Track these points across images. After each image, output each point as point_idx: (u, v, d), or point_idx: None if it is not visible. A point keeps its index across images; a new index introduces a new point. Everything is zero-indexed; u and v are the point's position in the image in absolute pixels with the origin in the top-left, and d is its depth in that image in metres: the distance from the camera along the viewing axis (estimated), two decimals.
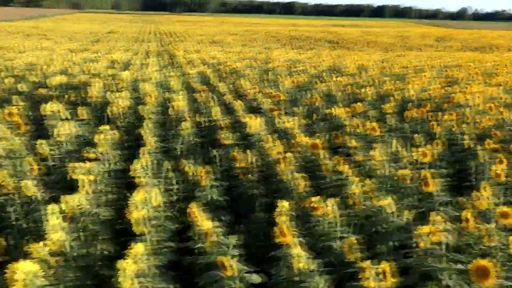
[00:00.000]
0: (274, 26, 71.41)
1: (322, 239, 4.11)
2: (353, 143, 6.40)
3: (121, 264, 2.75)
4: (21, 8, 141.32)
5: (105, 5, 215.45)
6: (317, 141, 6.10)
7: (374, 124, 7.11)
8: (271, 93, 10.50)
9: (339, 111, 8.37)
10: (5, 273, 2.98)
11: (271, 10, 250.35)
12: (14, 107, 7.42)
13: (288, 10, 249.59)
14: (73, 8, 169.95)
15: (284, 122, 7.68)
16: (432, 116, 8.42)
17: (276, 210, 3.93)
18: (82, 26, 56.94)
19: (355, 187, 4.82)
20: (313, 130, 8.10)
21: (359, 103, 9.15)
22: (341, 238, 4.09)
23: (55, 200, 4.41)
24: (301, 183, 4.95)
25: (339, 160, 5.45)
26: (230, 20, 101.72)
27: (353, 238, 3.63)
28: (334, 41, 42.86)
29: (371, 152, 5.95)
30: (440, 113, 8.50)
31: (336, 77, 13.46)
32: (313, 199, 4.25)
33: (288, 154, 5.62)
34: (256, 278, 3.22)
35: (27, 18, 76.54)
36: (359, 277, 3.16)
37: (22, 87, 10.47)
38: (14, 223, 4.36)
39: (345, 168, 5.31)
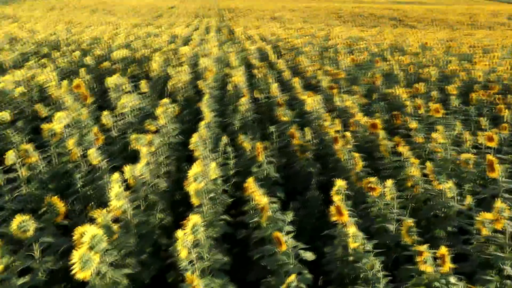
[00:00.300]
0: (337, 3, 69.76)
1: (377, 220, 4.05)
2: (414, 124, 6.20)
3: (179, 233, 2.83)
4: None
5: None
6: (377, 121, 5.97)
7: (437, 105, 6.86)
8: (331, 70, 10.32)
9: (400, 91, 8.12)
10: (71, 236, 3.17)
11: None
12: (80, 79, 7.72)
13: None
14: None
15: (343, 101, 7.55)
16: (499, 99, 8.01)
17: (333, 188, 3.90)
18: (146, 1, 58.05)
19: (414, 169, 4.70)
20: (372, 110, 7.91)
21: (421, 83, 8.83)
22: (397, 220, 4.02)
23: (118, 169, 4.60)
24: (358, 162, 4.88)
25: (399, 141, 5.31)
26: None
27: (410, 221, 3.55)
28: (398, 19, 41.38)
29: (433, 134, 5.76)
30: (509, 96, 8.07)
31: (399, 56, 13.03)
32: (370, 179, 4.19)
33: (347, 134, 5.54)
34: (309, 256, 3.23)
35: None
36: (416, 260, 3.10)
37: (88, 60, 10.86)
38: (79, 189, 4.58)
39: (404, 149, 5.17)
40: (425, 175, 4.79)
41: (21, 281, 3.00)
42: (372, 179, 4.17)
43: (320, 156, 6.28)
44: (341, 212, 3.46)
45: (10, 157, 4.24)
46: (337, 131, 6.04)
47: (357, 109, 6.99)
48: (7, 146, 5.57)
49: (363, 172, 4.92)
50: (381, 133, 5.74)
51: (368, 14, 45.95)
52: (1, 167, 4.18)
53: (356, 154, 4.98)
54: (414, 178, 4.66)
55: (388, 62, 11.73)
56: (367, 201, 4.35)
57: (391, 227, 3.97)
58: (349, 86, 9.46)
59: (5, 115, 5.95)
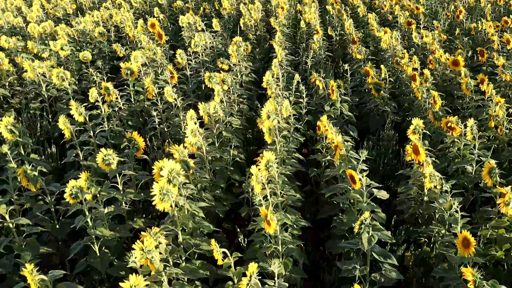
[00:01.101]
0: None
1: (456, 161, 3.89)
2: (501, 60, 5.77)
3: (253, 169, 2.87)
4: None
5: None
6: (459, 57, 5.60)
7: None
8: (409, 5, 9.73)
9: (486, 25, 7.53)
10: (150, 170, 3.32)
11: None
12: (155, 18, 7.82)
13: None
14: None
15: (421, 37, 7.14)
16: None
17: (410, 127, 3.77)
18: None
19: (499, 109, 4.41)
20: (454, 47, 7.45)
21: None
22: (477, 162, 3.84)
23: (193, 107, 4.70)
24: (437, 101, 4.65)
25: (483, 79, 4.98)
26: None
27: (492, 162, 3.37)
28: None
29: None
30: None
31: None
32: (450, 118, 3.99)
33: (425, 71, 5.27)
34: (383, 194, 3.18)
35: None
36: (497, 202, 2.97)
37: None
38: (156, 126, 4.75)
39: (489, 88, 4.85)
40: (510, 115, 4.50)
41: (107, 210, 3.21)
42: (452, 118, 3.97)
43: (395, 95, 6.06)
44: (418, 151, 3.35)
45: (93, 94, 4.44)
46: (415, 69, 5.77)
47: (437, 46, 6.60)
48: (89, 84, 5.84)
49: (441, 112, 4.70)
50: (463, 70, 5.40)
51: None
52: (85, 104, 4.40)
53: (435, 93, 4.74)
54: (498, 118, 4.39)
55: None
56: (445, 141, 4.18)
57: (471, 168, 3.81)
58: (429, 21, 8.91)
59: (88, 54, 6.19)
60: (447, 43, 7.75)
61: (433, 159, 3.70)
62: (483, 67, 6.48)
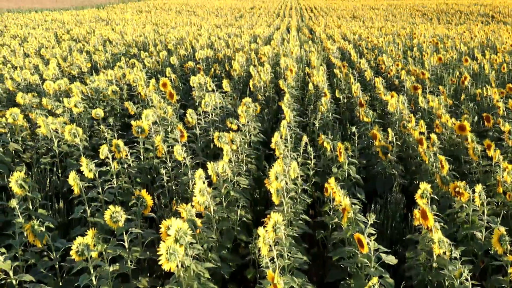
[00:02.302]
0: (420, 0, 67.15)
1: (465, 227, 3.85)
2: (507, 126, 5.83)
3: (260, 231, 2.86)
4: None
5: None
6: (465, 123, 5.67)
7: None
8: (415, 70, 9.97)
9: (491, 92, 7.67)
10: (157, 228, 3.31)
11: None
12: (167, 78, 8.04)
13: None
14: None
15: (427, 102, 7.27)
16: None
17: (417, 191, 3.77)
18: (227, 2, 59.26)
19: (507, 175, 4.42)
20: (460, 112, 7.56)
21: None
22: (486, 228, 3.80)
23: (201, 165, 4.75)
24: (444, 166, 4.67)
25: (489, 145, 5.01)
26: None
27: (502, 229, 3.34)
28: (489, 15, 39.07)
29: None
30: None
31: (490, 54, 12.31)
32: (458, 183, 3.99)
33: (432, 136, 5.33)
34: (391, 259, 3.14)
35: None
36: (508, 271, 2.92)
37: (173, 60, 11.29)
38: (165, 184, 4.77)
39: (496, 154, 4.87)
40: None
41: (112, 268, 3.18)
42: (460, 183, 3.97)
43: (402, 158, 6.10)
44: (426, 216, 3.33)
45: (104, 151, 4.51)
46: (421, 133, 5.83)
47: (443, 111, 6.70)
48: (100, 141, 5.94)
49: (449, 176, 4.71)
50: (470, 136, 5.46)
51: (455, 10, 43.77)
52: (95, 161, 4.45)
53: (442, 157, 4.77)
54: (506, 184, 4.38)
55: (477, 61, 11.14)
56: (453, 206, 4.16)
57: (480, 234, 3.77)
58: (435, 86, 9.10)
59: (100, 112, 6.33)
60: (453, 108, 7.87)
61: (442, 224, 3.67)
62: (489, 133, 6.54)
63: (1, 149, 5.55)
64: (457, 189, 4.00)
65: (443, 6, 50.15)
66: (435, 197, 4.20)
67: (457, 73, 10.05)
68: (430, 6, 49.58)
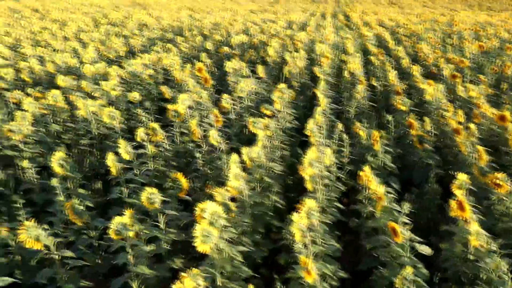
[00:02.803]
0: None
1: (504, 219, 3.77)
2: None
3: (294, 217, 2.88)
4: None
5: None
6: (506, 112, 5.51)
7: None
8: (454, 58, 9.71)
9: None
10: (192, 210, 3.37)
11: None
12: (202, 63, 8.09)
13: None
14: None
15: (467, 91, 7.09)
16: None
17: (454, 182, 3.70)
18: None
19: None
20: (501, 101, 7.34)
21: None
22: None
23: (235, 150, 4.78)
24: (483, 156, 4.56)
25: None
26: None
27: None
28: None
29: None
30: None
31: None
32: (498, 175, 3.90)
33: (471, 125, 5.20)
34: (426, 249, 3.11)
35: None
36: None
37: (208, 45, 11.33)
38: (200, 168, 4.84)
39: None
40: None
41: (148, 248, 3.27)
42: (500, 174, 3.88)
43: (439, 148, 5.98)
44: (463, 207, 3.28)
45: (141, 134, 4.59)
46: (460, 123, 5.70)
47: (483, 100, 6.52)
48: (137, 124, 6.05)
49: (487, 167, 4.60)
50: (510, 126, 5.30)
51: None
52: (132, 143, 4.55)
53: (481, 148, 4.66)
54: None
55: None
56: (491, 198, 4.07)
57: None
58: (475, 75, 8.85)
59: (136, 95, 6.44)
60: (494, 97, 7.64)
61: (479, 216, 3.60)
62: None
63: (43, 129, 5.72)
64: (496, 181, 3.91)
65: None
66: (473, 188, 4.12)
67: (499, 61, 9.73)
68: None
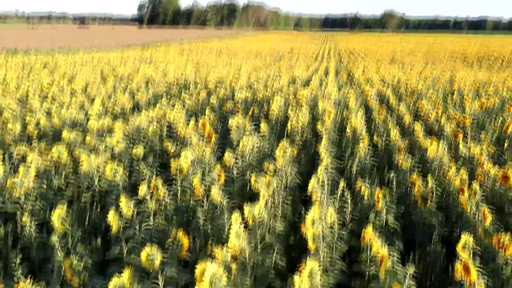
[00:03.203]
0: (460, 45, 66.78)
1: (511, 282, 3.69)
2: None
3: (296, 278, 2.83)
4: (215, 30, 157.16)
5: (288, 25, 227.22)
6: (509, 172, 5.51)
7: None
8: (455, 116, 9.82)
9: None
10: (191, 269, 3.31)
11: (458, 27, 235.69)
12: (205, 118, 8.19)
13: (478, 26, 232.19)
14: (259, 29, 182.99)
15: (469, 149, 7.12)
16: None
17: (459, 243, 3.65)
18: (266, 44, 60.52)
19: None
20: (503, 160, 7.35)
21: None
22: None
23: (237, 208, 4.75)
24: (487, 216, 4.52)
25: None
26: (411, 38, 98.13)
27: None
28: None
29: None
30: None
31: None
32: (502, 236, 3.85)
33: (474, 185, 5.19)
34: None
35: (220, 38, 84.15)
36: None
37: (213, 100, 11.52)
38: (201, 226, 4.80)
39: None
40: None
41: None
42: (505, 235, 3.83)
43: (442, 207, 5.93)
44: (468, 270, 3.22)
45: (143, 190, 4.60)
46: (463, 181, 5.69)
47: (485, 158, 6.54)
48: (139, 180, 6.05)
49: (492, 227, 4.55)
50: None
51: (496, 56, 43.21)
52: (134, 199, 4.54)
53: (485, 207, 4.63)
54: None
55: None
56: (497, 259, 4.00)
57: None
58: (476, 133, 8.92)
59: (140, 151, 6.49)
60: (496, 156, 7.66)
61: (485, 278, 3.52)
62: None
63: (46, 184, 5.73)
64: (501, 242, 3.86)
65: (484, 51, 49.66)
66: (478, 248, 4.05)
67: (500, 120, 9.83)
68: (471, 51, 49.17)
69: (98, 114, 9.61)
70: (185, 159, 5.53)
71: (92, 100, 11.54)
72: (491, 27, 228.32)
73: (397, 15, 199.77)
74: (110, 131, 8.11)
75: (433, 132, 9.37)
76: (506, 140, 8.18)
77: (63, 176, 6.13)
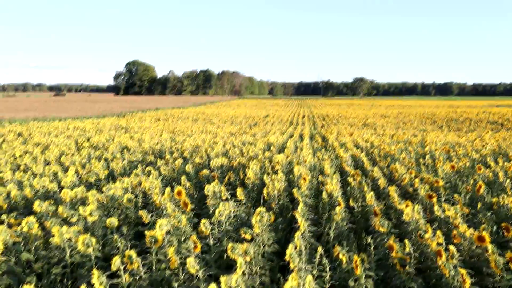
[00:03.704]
0: (429, 108, 69.24)
1: None
2: None
3: None
4: (190, 97, 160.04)
5: (263, 91, 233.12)
6: (484, 233, 5.57)
7: None
8: (428, 178, 10.00)
9: (508, 200, 7.60)
10: None
11: (425, 91, 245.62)
12: (181, 186, 8.14)
13: (444, 91, 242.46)
14: (234, 95, 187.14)
15: (443, 211, 7.20)
16: None
17: None
18: (242, 110, 61.60)
19: None
20: (477, 221, 7.44)
21: None
22: None
23: (214, 278, 4.64)
24: (466, 280, 4.51)
25: None
26: (382, 102, 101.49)
27: None
28: (498, 122, 39.81)
29: None
30: None
31: (503, 162, 12.38)
32: None
33: (451, 247, 5.21)
34: None
35: (195, 105, 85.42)
36: None
37: (189, 167, 11.50)
38: None
39: None
40: None
41: None
42: None
43: (421, 270, 5.90)
44: None
45: (116, 263, 4.46)
46: (439, 244, 5.71)
47: (460, 220, 6.61)
48: (113, 251, 5.89)
49: None
50: (490, 247, 5.33)
51: (464, 118, 44.83)
52: (107, 272, 4.39)
53: (463, 271, 4.63)
54: None
55: (491, 169, 11.16)
56: None
57: None
58: (449, 194, 9.06)
59: (114, 221, 6.36)
60: (470, 216, 7.76)
61: None
62: (510, 243, 6.38)
63: (13, 259, 5.52)
64: None
65: (452, 114, 51.51)
66: None
67: (472, 181, 10.03)
68: (439, 114, 50.92)
69: (72, 184, 9.46)
70: (160, 229, 5.43)
71: (66, 170, 11.39)
72: (457, 91, 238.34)
73: (367, 81, 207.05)
74: (84, 201, 7.96)
75: (407, 194, 9.49)
76: (478, 201, 8.31)
77: (32, 249, 5.92)
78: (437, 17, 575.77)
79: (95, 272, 4.15)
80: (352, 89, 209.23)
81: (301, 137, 24.70)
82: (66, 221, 6.77)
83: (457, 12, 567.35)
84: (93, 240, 5.26)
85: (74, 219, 6.72)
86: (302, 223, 5.88)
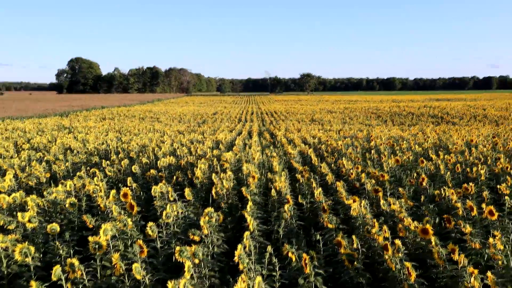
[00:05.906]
0: (374, 103, 71.19)
1: None
2: (468, 228, 5.90)
3: None
4: (137, 95, 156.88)
5: (211, 88, 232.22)
6: (427, 226, 5.72)
7: (490, 207, 6.55)
8: (374, 172, 10.21)
9: (448, 192, 7.87)
10: None
11: (370, 86, 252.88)
12: (127, 188, 7.90)
13: (388, 86, 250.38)
14: (182, 92, 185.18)
15: (389, 204, 7.36)
16: None
17: None
18: (190, 108, 61.01)
19: (474, 280, 4.38)
20: (421, 213, 7.66)
21: (471, 183, 8.55)
22: None
23: (161, 282, 4.51)
24: (411, 273, 4.60)
25: (454, 249, 5.02)
26: (329, 97, 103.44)
27: None
28: (438, 116, 41.48)
29: (490, 240, 5.43)
30: None
31: (443, 154, 12.85)
32: None
33: (397, 241, 5.31)
34: None
35: (142, 103, 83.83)
36: None
37: (136, 168, 11.21)
38: None
39: (460, 257, 4.88)
40: (486, 286, 4.45)
41: None
42: None
43: (369, 265, 6.00)
44: None
45: (57, 272, 4.25)
46: (386, 238, 5.81)
47: (405, 213, 6.77)
48: (55, 258, 5.62)
49: (417, 284, 4.63)
50: (433, 239, 5.47)
51: (407, 112, 46.38)
52: (47, 283, 4.17)
53: (408, 264, 4.72)
54: None
55: (433, 162, 11.56)
56: None
57: None
58: (395, 188, 9.29)
59: (56, 227, 6.07)
60: (415, 209, 7.97)
61: None
62: (451, 234, 6.60)
63: None
64: None
65: (395, 108, 53.17)
66: None
67: (415, 174, 10.34)
68: (384, 109, 52.45)
69: (10, 189, 8.99)
70: (105, 234, 5.22)
71: (4, 174, 10.83)
72: (399, 86, 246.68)
73: (314, 77, 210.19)
74: (23, 206, 7.57)
75: (355, 189, 9.65)
76: (421, 194, 8.57)
77: None
78: (381, 15, 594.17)
79: (33, 283, 3.93)
80: (299, 85, 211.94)
81: (250, 134, 24.72)
82: (2, 229, 6.40)
83: (400, 12, 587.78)
84: (32, 248, 4.98)
85: (11, 226, 6.37)
86: (251, 222, 5.83)
